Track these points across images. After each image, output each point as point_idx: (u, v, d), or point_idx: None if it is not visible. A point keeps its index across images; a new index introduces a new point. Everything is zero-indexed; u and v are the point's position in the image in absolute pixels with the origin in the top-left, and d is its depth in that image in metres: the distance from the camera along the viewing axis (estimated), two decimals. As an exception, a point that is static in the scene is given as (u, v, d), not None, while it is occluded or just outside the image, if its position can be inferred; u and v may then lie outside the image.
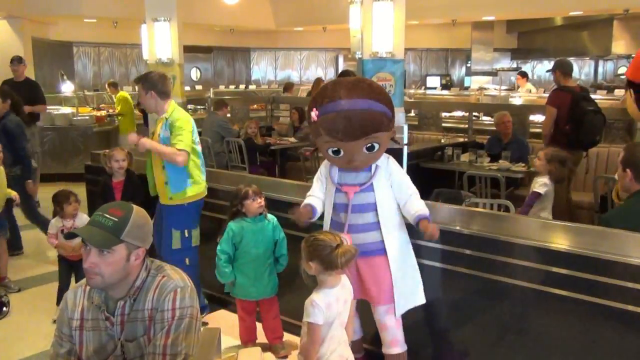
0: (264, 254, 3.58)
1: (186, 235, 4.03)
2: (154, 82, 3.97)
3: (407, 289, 3.05)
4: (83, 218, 4.22)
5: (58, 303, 4.10)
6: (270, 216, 3.63)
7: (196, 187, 4.06)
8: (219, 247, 3.57)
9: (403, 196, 3.01)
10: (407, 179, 3.06)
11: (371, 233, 2.97)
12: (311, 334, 2.61)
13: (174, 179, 3.97)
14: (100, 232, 1.95)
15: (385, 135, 2.89)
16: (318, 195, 3.14)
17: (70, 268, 4.32)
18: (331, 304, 2.62)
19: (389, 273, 2.97)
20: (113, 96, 10.88)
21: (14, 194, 4.96)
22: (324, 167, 3.16)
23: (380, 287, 2.98)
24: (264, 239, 3.58)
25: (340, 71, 16.93)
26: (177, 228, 4.01)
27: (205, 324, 4.00)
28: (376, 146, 2.87)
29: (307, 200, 3.15)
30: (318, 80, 11.37)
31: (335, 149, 2.89)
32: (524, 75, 11.55)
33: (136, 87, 4.07)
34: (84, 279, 2.08)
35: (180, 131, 3.90)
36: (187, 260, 3.98)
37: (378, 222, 2.96)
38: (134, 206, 2.08)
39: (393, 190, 3.01)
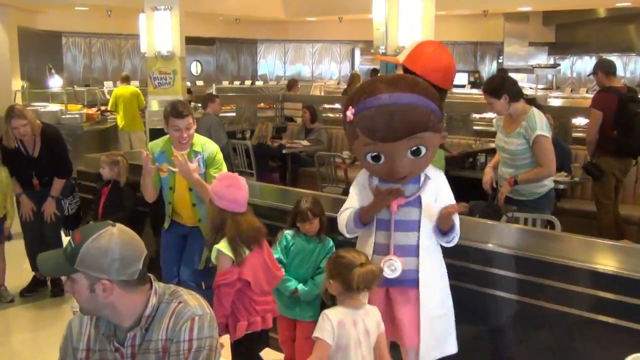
0: (305, 276, 3.52)
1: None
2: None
3: (440, 332, 2.86)
4: None
5: None
6: (327, 240, 3.54)
7: None
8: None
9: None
10: (452, 199, 2.85)
11: (411, 259, 2.79)
12: (315, 349, 2.54)
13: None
14: (56, 259, 1.96)
15: (432, 137, 2.65)
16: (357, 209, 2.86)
17: None
18: (344, 324, 2.54)
19: (424, 308, 2.79)
20: None
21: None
22: (362, 174, 2.94)
23: (415, 326, 2.80)
24: (309, 261, 3.52)
25: (356, 66, 17.08)
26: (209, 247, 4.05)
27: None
28: (423, 150, 2.63)
29: (345, 214, 2.88)
30: (354, 75, 11.48)
31: (375, 154, 2.66)
32: None
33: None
34: None
35: (220, 162, 4.12)
36: (203, 284, 4.02)
37: (418, 246, 2.79)
38: (104, 231, 1.93)
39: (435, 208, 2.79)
